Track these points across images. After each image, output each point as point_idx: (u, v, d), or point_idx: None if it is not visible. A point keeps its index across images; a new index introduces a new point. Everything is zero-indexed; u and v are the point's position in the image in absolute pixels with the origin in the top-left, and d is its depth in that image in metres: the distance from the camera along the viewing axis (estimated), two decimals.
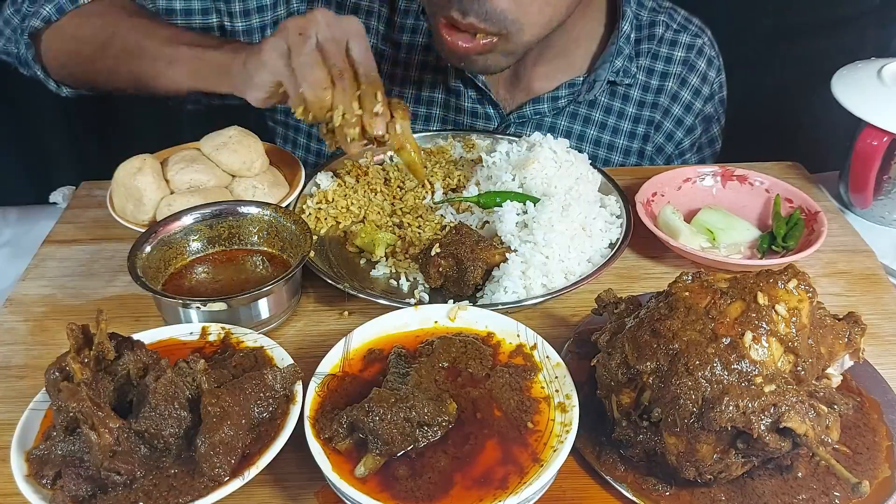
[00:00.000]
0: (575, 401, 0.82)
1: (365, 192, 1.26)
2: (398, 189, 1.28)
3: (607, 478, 0.83)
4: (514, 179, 1.21)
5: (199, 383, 0.79)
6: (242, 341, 0.92)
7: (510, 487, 0.75)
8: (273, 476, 0.84)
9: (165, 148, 1.26)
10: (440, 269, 1.07)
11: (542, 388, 0.86)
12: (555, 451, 0.78)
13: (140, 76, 1.22)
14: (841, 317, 0.86)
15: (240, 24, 1.40)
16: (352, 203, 1.24)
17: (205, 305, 0.97)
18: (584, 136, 1.49)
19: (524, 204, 1.15)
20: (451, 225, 1.18)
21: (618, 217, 1.20)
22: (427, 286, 1.10)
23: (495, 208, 1.16)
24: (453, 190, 1.28)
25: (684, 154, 1.55)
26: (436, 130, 1.45)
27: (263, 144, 1.24)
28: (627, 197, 1.23)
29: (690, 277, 0.84)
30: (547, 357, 0.89)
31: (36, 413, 0.83)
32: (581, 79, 1.45)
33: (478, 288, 1.09)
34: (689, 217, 1.25)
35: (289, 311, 1.06)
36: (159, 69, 1.19)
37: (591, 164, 1.27)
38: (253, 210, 1.11)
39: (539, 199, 1.16)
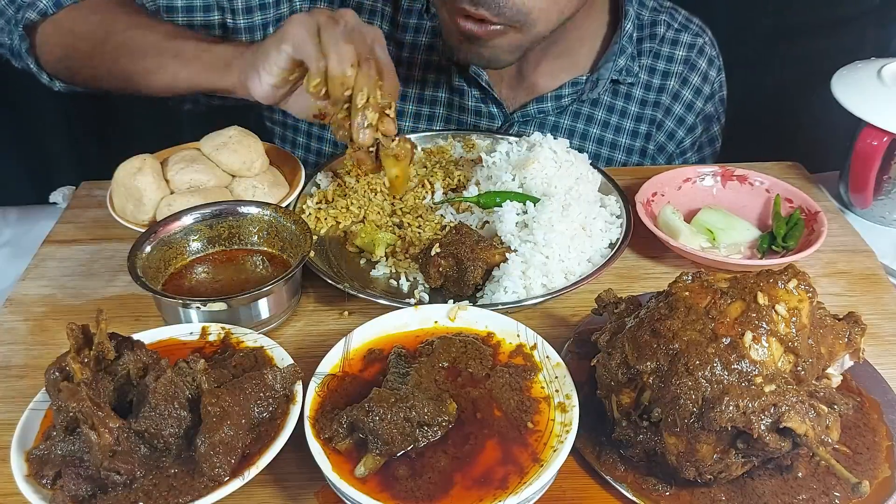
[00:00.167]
0: (575, 401, 0.82)
1: (365, 191, 1.26)
2: None
3: (607, 478, 0.83)
4: (514, 179, 1.21)
5: (199, 383, 0.79)
6: (242, 341, 0.92)
7: (510, 487, 0.75)
8: (273, 476, 0.84)
9: (165, 148, 1.26)
10: (440, 269, 1.07)
11: (542, 388, 0.86)
12: (555, 451, 0.78)
13: (136, 73, 1.22)
14: (841, 317, 0.86)
15: (242, 21, 1.40)
16: (352, 203, 1.24)
17: (205, 305, 0.97)
18: (587, 135, 1.50)
19: (524, 204, 1.15)
20: (451, 225, 1.18)
21: (618, 217, 1.20)
22: (427, 286, 1.10)
23: (495, 208, 1.16)
24: (453, 190, 1.28)
25: (685, 153, 1.55)
26: (439, 130, 1.45)
27: (263, 144, 1.24)
28: (627, 197, 1.23)
29: (690, 277, 0.84)
30: (547, 357, 0.89)
31: (36, 413, 0.83)
32: (584, 77, 1.45)
33: (478, 288, 1.09)
34: (689, 217, 1.25)
35: (289, 311, 1.06)
36: (163, 63, 1.19)
37: (590, 163, 1.27)
38: (253, 210, 1.11)
39: (539, 199, 1.16)
